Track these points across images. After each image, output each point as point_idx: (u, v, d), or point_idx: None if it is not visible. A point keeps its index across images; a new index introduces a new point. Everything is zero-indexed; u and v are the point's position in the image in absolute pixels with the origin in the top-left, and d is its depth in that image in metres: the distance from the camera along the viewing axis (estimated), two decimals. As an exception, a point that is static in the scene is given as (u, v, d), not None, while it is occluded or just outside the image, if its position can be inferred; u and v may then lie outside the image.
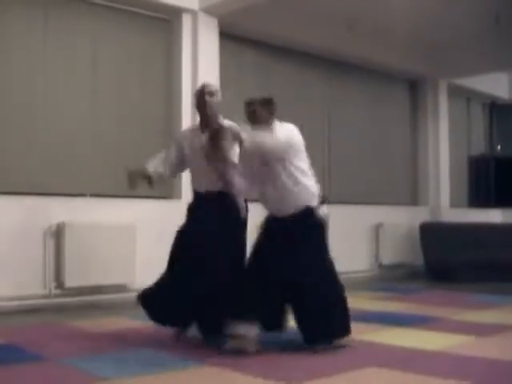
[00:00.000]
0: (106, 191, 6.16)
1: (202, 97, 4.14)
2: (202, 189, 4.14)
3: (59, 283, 5.67)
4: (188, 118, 6.61)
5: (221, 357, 3.60)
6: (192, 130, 4.36)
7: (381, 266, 8.58)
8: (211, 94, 4.14)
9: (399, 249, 8.73)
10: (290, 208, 3.87)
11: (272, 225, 3.97)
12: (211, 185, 4.04)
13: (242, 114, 4.04)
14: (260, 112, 3.91)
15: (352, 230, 8.24)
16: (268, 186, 3.89)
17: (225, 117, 4.17)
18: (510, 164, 10.59)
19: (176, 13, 6.68)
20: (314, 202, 3.90)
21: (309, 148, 8.63)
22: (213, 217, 3.99)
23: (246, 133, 3.86)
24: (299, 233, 3.85)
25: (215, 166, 3.92)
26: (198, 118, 4.32)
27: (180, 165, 4.33)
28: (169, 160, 4.28)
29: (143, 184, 4.27)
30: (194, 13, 6.69)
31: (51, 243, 5.67)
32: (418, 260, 8.71)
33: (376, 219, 8.60)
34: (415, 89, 9.82)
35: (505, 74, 10.93)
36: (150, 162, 4.27)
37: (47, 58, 5.93)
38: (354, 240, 8.27)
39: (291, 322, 3.95)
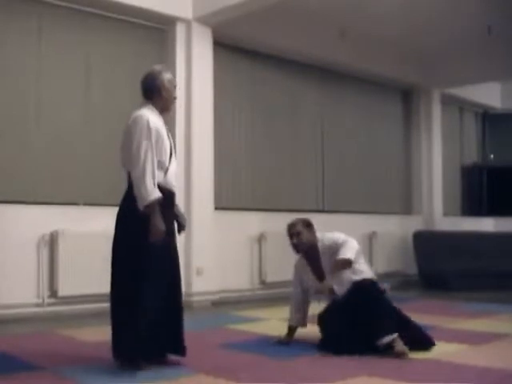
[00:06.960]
0: (99, 200, 6.16)
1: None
2: None
3: (53, 292, 5.67)
4: (181, 128, 6.63)
5: (215, 366, 3.60)
6: (302, 265, 4.52)
7: (375, 274, 8.56)
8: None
9: (393, 257, 8.75)
10: None
11: None
12: None
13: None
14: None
15: (345, 238, 8.25)
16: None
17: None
18: (503, 173, 10.66)
19: (170, 22, 6.70)
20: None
21: (302, 157, 8.64)
22: None
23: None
24: None
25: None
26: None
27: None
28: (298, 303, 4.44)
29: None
30: (187, 22, 6.71)
31: (45, 252, 5.67)
32: (412, 269, 8.73)
33: (369, 228, 8.62)
34: (408, 98, 9.87)
35: (497, 84, 11.02)
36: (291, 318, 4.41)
37: (41, 68, 5.94)
38: (347, 249, 8.26)
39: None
